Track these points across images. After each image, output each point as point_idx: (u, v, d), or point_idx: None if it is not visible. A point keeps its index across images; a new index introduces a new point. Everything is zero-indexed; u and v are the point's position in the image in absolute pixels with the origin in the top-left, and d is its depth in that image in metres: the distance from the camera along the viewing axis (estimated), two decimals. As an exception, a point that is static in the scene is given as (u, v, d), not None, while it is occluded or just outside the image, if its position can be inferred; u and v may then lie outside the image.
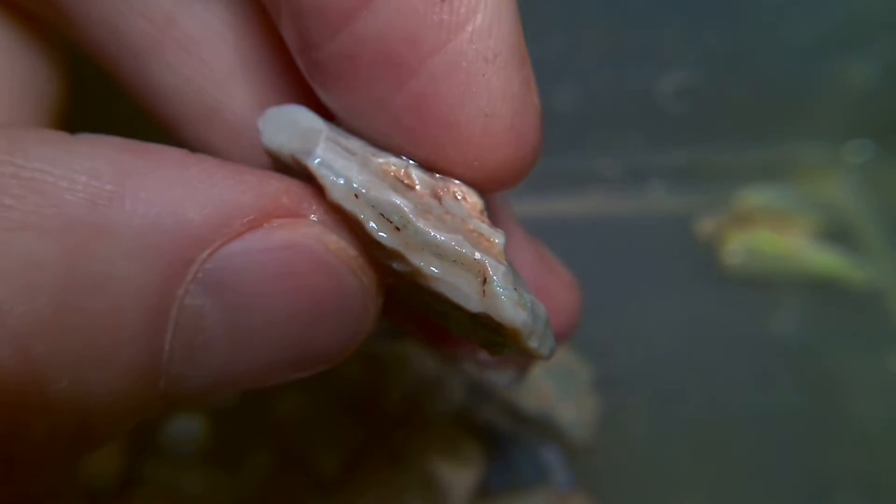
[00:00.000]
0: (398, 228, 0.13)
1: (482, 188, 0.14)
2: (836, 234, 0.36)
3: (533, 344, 0.13)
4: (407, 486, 0.27)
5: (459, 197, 0.14)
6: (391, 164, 0.13)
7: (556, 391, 0.30)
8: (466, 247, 0.13)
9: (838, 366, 0.33)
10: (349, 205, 0.13)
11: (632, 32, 0.35)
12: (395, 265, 0.13)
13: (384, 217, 0.13)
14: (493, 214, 0.15)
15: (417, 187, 0.13)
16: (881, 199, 0.37)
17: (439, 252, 0.13)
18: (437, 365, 0.31)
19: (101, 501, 0.28)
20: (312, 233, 0.12)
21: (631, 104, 0.37)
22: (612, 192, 0.38)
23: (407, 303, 0.15)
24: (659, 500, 0.29)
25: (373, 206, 0.13)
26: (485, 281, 0.13)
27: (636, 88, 0.36)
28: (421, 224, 0.13)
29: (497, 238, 0.14)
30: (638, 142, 0.38)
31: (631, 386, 0.32)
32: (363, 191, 0.13)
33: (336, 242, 0.12)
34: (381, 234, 0.13)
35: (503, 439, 0.29)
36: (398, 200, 0.13)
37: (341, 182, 0.13)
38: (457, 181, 0.14)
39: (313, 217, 0.12)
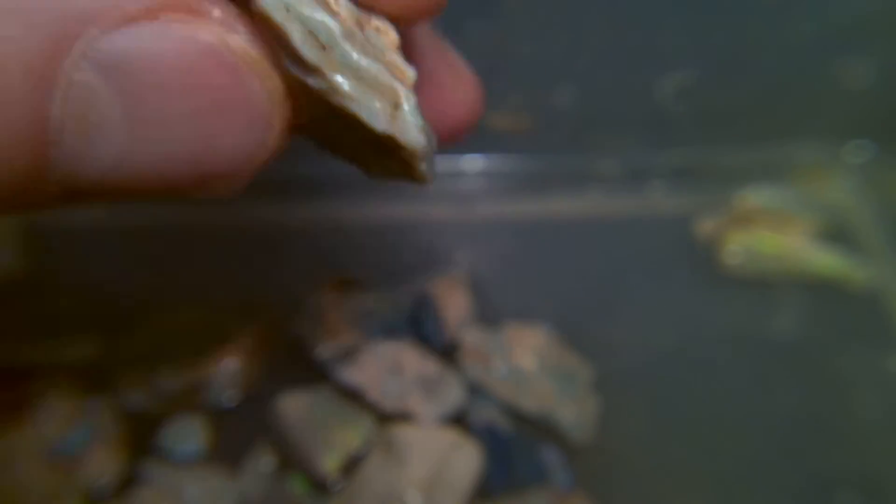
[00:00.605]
0: (324, 47, 0.13)
1: (404, 18, 0.15)
2: (836, 234, 0.36)
3: (423, 167, 0.15)
4: (406, 487, 0.27)
5: (380, 30, 0.15)
6: None
7: (556, 391, 0.30)
8: (385, 74, 0.14)
9: (838, 366, 0.33)
10: (278, 16, 0.13)
11: (631, 33, 0.35)
12: (310, 80, 0.14)
13: (312, 34, 0.13)
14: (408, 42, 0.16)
15: (342, 14, 0.14)
16: (881, 199, 0.37)
17: (359, 75, 0.14)
18: (437, 365, 0.31)
19: (101, 501, 0.28)
20: (213, 30, 0.12)
21: (631, 105, 0.37)
22: (611, 193, 0.38)
23: (310, 131, 0.16)
24: (659, 500, 0.29)
25: (301, 22, 0.13)
26: (396, 106, 0.14)
27: (636, 89, 0.36)
28: (347, 47, 0.14)
29: (410, 72, 0.15)
30: (638, 142, 0.38)
31: (631, 386, 0.32)
32: (293, 4, 0.13)
33: (239, 43, 0.13)
34: (306, 49, 0.13)
35: (502, 439, 0.29)
36: (329, 21, 0.13)
37: None
38: (377, 16, 0.15)
39: (216, 13, 0.13)
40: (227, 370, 0.30)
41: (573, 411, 0.30)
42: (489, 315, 0.33)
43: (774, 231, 0.35)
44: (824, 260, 0.35)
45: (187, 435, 0.29)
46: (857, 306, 0.34)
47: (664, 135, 0.38)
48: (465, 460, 0.28)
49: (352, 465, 0.28)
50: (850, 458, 0.30)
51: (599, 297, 0.35)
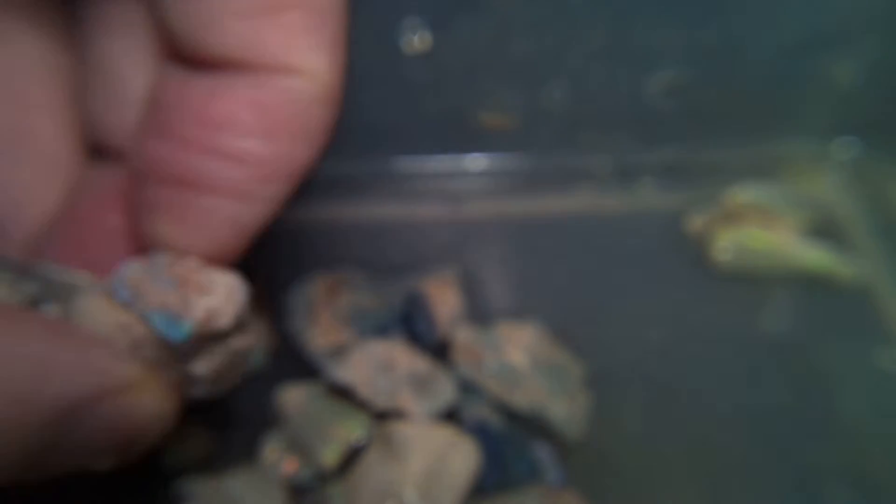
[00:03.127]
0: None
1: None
2: (825, 230, 0.36)
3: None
4: (404, 483, 0.27)
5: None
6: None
7: (548, 388, 0.30)
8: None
9: (827, 361, 0.33)
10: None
11: (621, 31, 0.35)
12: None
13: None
14: None
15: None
16: (869, 195, 0.37)
17: None
18: (429, 363, 0.31)
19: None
20: (144, 403, 0.18)
21: (621, 103, 0.37)
22: (602, 190, 0.38)
23: None
24: (651, 497, 0.30)
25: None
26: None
27: (626, 87, 0.37)
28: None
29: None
30: (628, 140, 0.38)
31: (623, 383, 0.32)
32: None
33: (157, 409, 0.18)
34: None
35: (494, 437, 0.29)
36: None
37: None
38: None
39: (147, 393, 0.18)
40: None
41: (565, 408, 0.30)
42: (481, 313, 0.33)
43: (763, 227, 0.36)
44: (813, 256, 0.35)
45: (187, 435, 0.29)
46: (845, 302, 0.34)
47: (654, 133, 0.38)
48: (462, 457, 0.28)
49: (351, 459, 0.28)
50: (839, 453, 0.31)
51: (590, 295, 0.35)
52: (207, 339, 0.18)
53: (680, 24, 0.35)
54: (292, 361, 0.31)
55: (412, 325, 0.32)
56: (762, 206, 0.36)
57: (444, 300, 0.33)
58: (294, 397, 0.30)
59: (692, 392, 0.32)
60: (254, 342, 0.20)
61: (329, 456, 0.28)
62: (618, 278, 0.35)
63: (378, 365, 0.30)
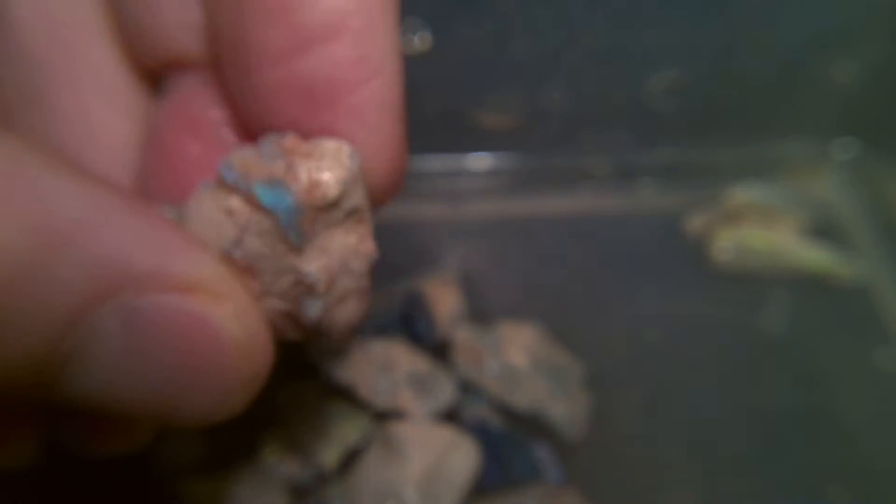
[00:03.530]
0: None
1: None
2: (824, 230, 0.36)
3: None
4: (404, 483, 0.27)
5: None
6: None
7: (548, 388, 0.30)
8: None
9: (826, 361, 0.33)
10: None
11: (621, 32, 0.35)
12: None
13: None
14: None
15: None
16: (868, 195, 0.37)
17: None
18: (429, 363, 0.31)
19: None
20: (221, 315, 0.15)
21: (620, 103, 0.37)
22: (602, 190, 0.38)
23: None
24: (651, 496, 0.30)
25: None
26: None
27: (626, 87, 0.37)
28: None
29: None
30: (627, 140, 0.38)
31: (622, 382, 0.32)
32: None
33: (238, 330, 0.15)
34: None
35: (494, 437, 0.29)
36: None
37: None
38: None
39: (228, 304, 0.15)
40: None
41: (565, 408, 0.30)
42: (481, 313, 0.33)
43: (763, 227, 0.36)
44: (812, 256, 0.35)
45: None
46: (845, 302, 0.34)
47: (654, 133, 0.38)
48: (462, 457, 0.28)
49: (350, 459, 0.28)
50: (839, 453, 0.31)
51: (590, 295, 0.35)
52: (316, 214, 0.16)
53: (680, 24, 0.35)
54: (290, 362, 0.31)
55: (412, 325, 0.32)
56: (762, 206, 0.36)
57: (444, 300, 0.33)
58: (294, 397, 0.30)
59: (692, 392, 0.32)
60: (370, 245, 0.18)
61: (329, 456, 0.28)
62: (617, 278, 0.35)
63: (378, 365, 0.30)
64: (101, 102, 0.19)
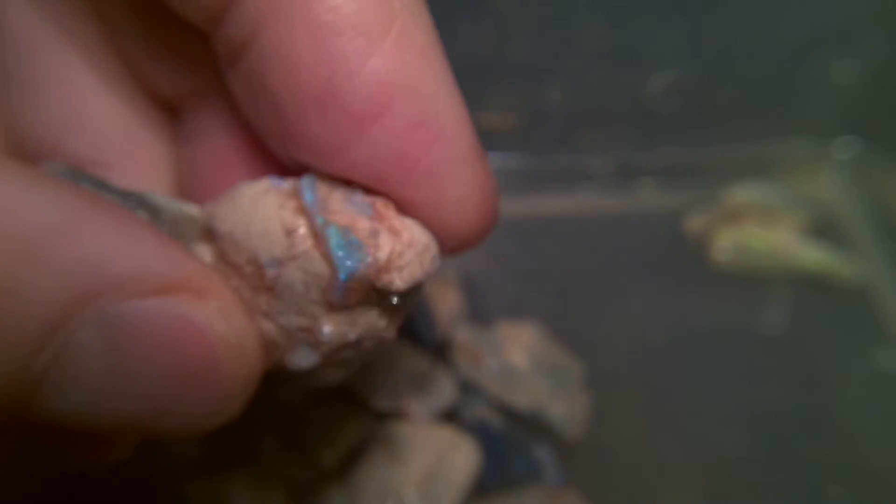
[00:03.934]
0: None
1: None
2: (824, 229, 0.36)
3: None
4: (405, 483, 0.27)
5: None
6: None
7: (548, 388, 0.30)
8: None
9: (826, 360, 0.33)
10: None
11: (621, 32, 0.35)
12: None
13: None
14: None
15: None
16: (868, 195, 0.37)
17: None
18: (429, 363, 0.31)
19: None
20: (207, 313, 0.14)
21: (620, 103, 0.37)
22: (601, 191, 0.38)
23: None
24: (650, 496, 0.30)
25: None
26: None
27: (625, 87, 0.37)
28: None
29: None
30: (627, 140, 0.38)
31: (622, 382, 0.32)
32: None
33: (226, 327, 0.14)
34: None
35: (494, 437, 0.29)
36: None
37: None
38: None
39: (213, 302, 0.14)
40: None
41: (565, 408, 0.30)
42: (481, 313, 0.33)
43: (763, 227, 0.36)
44: (813, 255, 0.35)
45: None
46: (845, 301, 0.34)
47: (654, 132, 0.38)
48: (462, 457, 0.28)
49: (350, 459, 0.28)
50: (839, 453, 0.31)
51: (590, 295, 0.35)
52: (366, 292, 0.15)
53: (680, 24, 0.35)
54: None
55: (412, 324, 0.32)
56: (762, 205, 0.36)
57: (444, 300, 0.33)
58: (294, 397, 0.30)
59: (692, 391, 0.32)
60: (393, 332, 0.16)
61: (329, 456, 0.28)
62: (617, 278, 0.35)
63: (378, 364, 0.30)
64: (88, 86, 0.18)
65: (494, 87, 0.36)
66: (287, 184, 0.15)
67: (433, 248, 0.15)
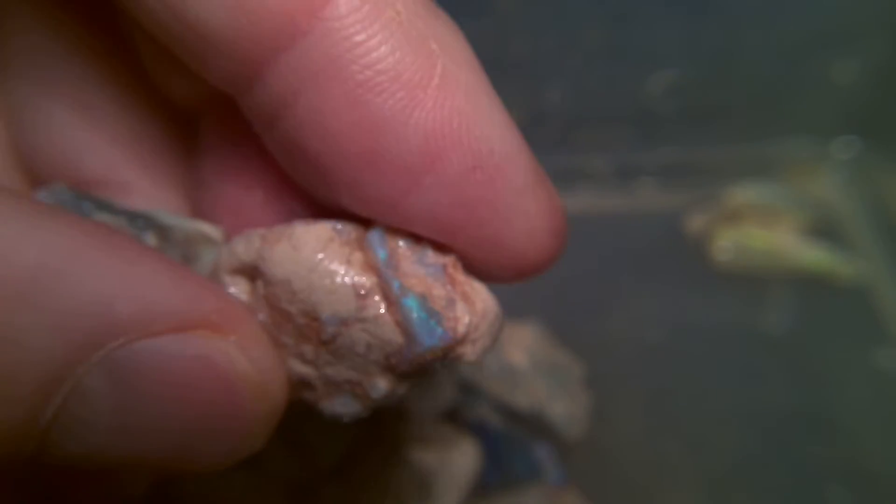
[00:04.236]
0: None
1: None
2: (824, 229, 0.36)
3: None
4: (404, 483, 0.27)
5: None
6: None
7: (548, 388, 0.30)
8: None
9: (826, 359, 0.33)
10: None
11: (621, 31, 0.35)
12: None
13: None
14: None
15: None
16: (868, 194, 0.37)
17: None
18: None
19: None
20: (226, 350, 0.13)
21: (620, 103, 0.37)
22: (602, 190, 0.38)
23: None
24: (650, 496, 0.30)
25: None
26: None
27: (625, 87, 0.37)
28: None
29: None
30: (628, 140, 0.38)
31: (622, 382, 0.32)
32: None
33: (247, 364, 0.13)
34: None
35: (495, 437, 0.29)
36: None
37: None
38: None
39: (233, 337, 0.13)
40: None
41: (565, 408, 0.30)
42: (481, 313, 0.33)
43: (763, 227, 0.36)
44: (813, 255, 0.35)
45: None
46: (845, 301, 0.34)
47: (654, 132, 0.38)
48: (462, 457, 0.28)
49: (350, 459, 0.28)
50: (839, 452, 0.31)
51: (590, 295, 0.35)
52: (437, 362, 0.14)
53: (680, 24, 0.35)
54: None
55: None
56: (762, 205, 0.36)
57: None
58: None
59: (692, 391, 0.32)
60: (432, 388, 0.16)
61: (329, 456, 0.28)
62: (618, 278, 0.35)
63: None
64: (102, 103, 0.18)
65: (494, 87, 0.36)
66: (349, 229, 0.15)
67: (500, 315, 0.15)
